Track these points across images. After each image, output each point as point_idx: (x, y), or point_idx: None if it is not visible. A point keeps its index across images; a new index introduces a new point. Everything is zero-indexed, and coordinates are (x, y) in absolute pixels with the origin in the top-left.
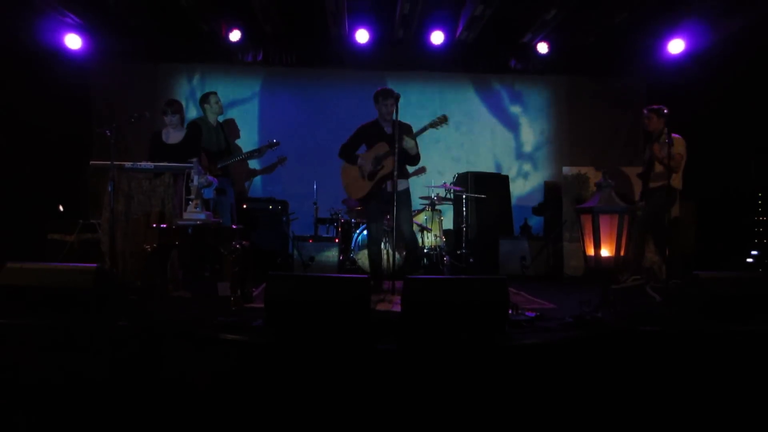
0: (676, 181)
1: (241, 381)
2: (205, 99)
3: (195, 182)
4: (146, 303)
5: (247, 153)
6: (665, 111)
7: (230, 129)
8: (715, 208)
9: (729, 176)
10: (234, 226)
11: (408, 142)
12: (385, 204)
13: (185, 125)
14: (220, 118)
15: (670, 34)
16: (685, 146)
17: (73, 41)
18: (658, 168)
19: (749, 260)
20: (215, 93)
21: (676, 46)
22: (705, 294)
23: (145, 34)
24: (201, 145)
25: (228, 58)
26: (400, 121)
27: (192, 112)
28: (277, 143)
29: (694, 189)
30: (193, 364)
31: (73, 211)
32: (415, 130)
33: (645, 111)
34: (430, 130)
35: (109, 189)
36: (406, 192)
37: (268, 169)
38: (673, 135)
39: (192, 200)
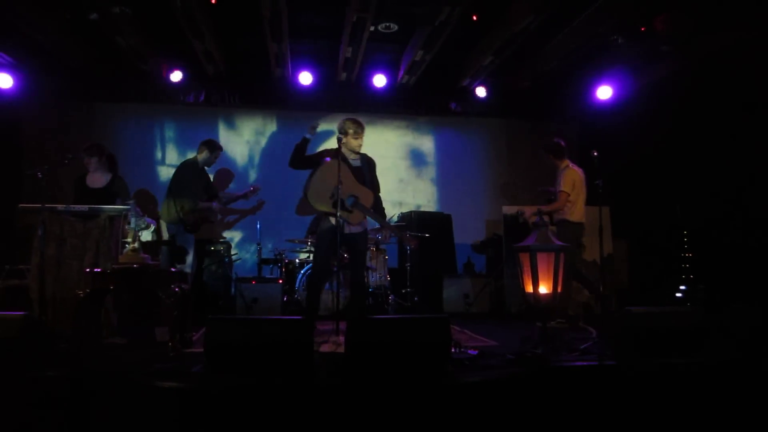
0: (574, 214)
1: (180, 431)
2: (213, 148)
3: (132, 224)
4: (78, 351)
5: (234, 197)
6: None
7: None
8: (645, 246)
9: (657, 215)
10: (173, 269)
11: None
12: (342, 241)
13: (108, 168)
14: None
15: (599, 81)
16: (572, 181)
17: (4, 80)
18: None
19: (678, 295)
20: (222, 149)
21: (604, 92)
22: (636, 329)
23: (82, 73)
24: (127, 189)
25: (169, 99)
26: (367, 155)
27: (131, 152)
28: (258, 188)
29: (626, 227)
30: (128, 415)
31: None
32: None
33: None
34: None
35: (40, 232)
36: (365, 234)
37: (250, 211)
38: (572, 167)
39: (129, 243)
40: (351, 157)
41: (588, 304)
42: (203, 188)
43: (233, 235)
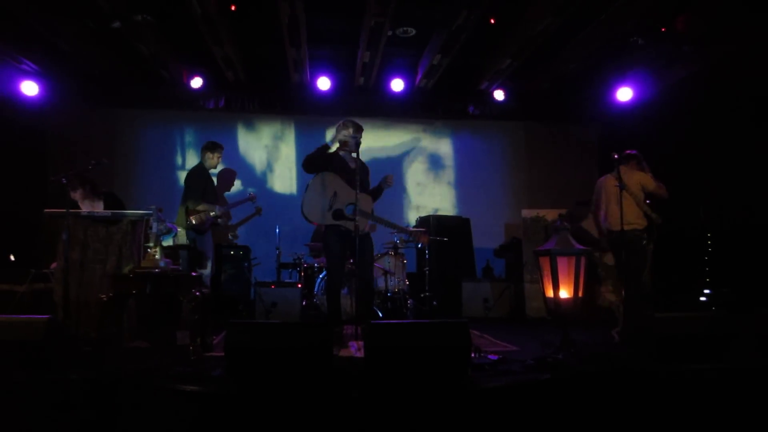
0: (599, 222)
1: None
2: (212, 149)
3: (154, 229)
4: (101, 354)
5: (233, 203)
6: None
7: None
8: (669, 249)
9: (680, 218)
10: (193, 273)
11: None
12: (349, 245)
13: (105, 195)
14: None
15: (619, 82)
16: (596, 192)
17: (29, 88)
18: None
19: (702, 299)
20: (222, 147)
21: (624, 94)
22: (661, 335)
23: (105, 80)
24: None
25: (190, 105)
26: (362, 160)
27: (152, 158)
28: (254, 196)
29: (648, 230)
30: (149, 418)
31: (24, 260)
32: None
33: None
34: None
35: (64, 237)
36: (367, 234)
37: (244, 220)
38: (606, 176)
39: (151, 248)
40: (348, 159)
41: (611, 310)
42: (209, 191)
43: (252, 240)
